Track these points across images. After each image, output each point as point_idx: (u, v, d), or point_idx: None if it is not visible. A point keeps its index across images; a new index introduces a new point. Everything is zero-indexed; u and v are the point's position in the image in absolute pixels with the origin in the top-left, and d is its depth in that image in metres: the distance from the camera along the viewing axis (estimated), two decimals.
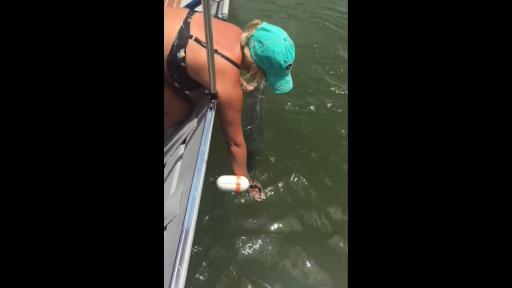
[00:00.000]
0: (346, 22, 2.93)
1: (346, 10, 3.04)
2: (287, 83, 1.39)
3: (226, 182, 1.39)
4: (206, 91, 1.24)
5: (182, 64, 1.25)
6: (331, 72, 2.49)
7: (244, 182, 1.41)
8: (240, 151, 1.48)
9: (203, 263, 1.44)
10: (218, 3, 2.08)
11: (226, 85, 1.26)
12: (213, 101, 1.23)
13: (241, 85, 1.88)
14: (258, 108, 2.13)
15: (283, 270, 1.46)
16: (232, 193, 1.61)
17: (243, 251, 1.51)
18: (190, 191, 0.90)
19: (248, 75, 1.39)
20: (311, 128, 2.06)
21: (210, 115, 1.20)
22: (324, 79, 2.42)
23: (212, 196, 1.61)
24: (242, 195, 1.66)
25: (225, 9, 2.02)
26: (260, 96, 2.23)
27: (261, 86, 2.30)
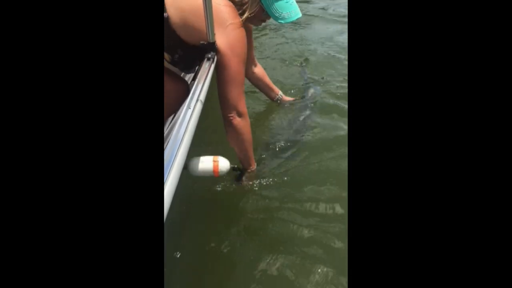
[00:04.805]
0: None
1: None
2: (290, 7, 1.09)
3: (200, 161, 1.09)
4: (201, 42, 0.98)
5: (164, 14, 1.01)
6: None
7: (223, 161, 1.11)
8: (245, 124, 1.17)
9: None
10: None
11: (225, 24, 1.02)
12: (212, 53, 0.98)
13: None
14: (301, 123, 1.63)
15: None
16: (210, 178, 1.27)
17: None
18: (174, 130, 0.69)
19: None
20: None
21: (208, 65, 0.95)
22: None
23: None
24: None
25: None
26: (308, 111, 1.70)
27: (309, 94, 1.83)
